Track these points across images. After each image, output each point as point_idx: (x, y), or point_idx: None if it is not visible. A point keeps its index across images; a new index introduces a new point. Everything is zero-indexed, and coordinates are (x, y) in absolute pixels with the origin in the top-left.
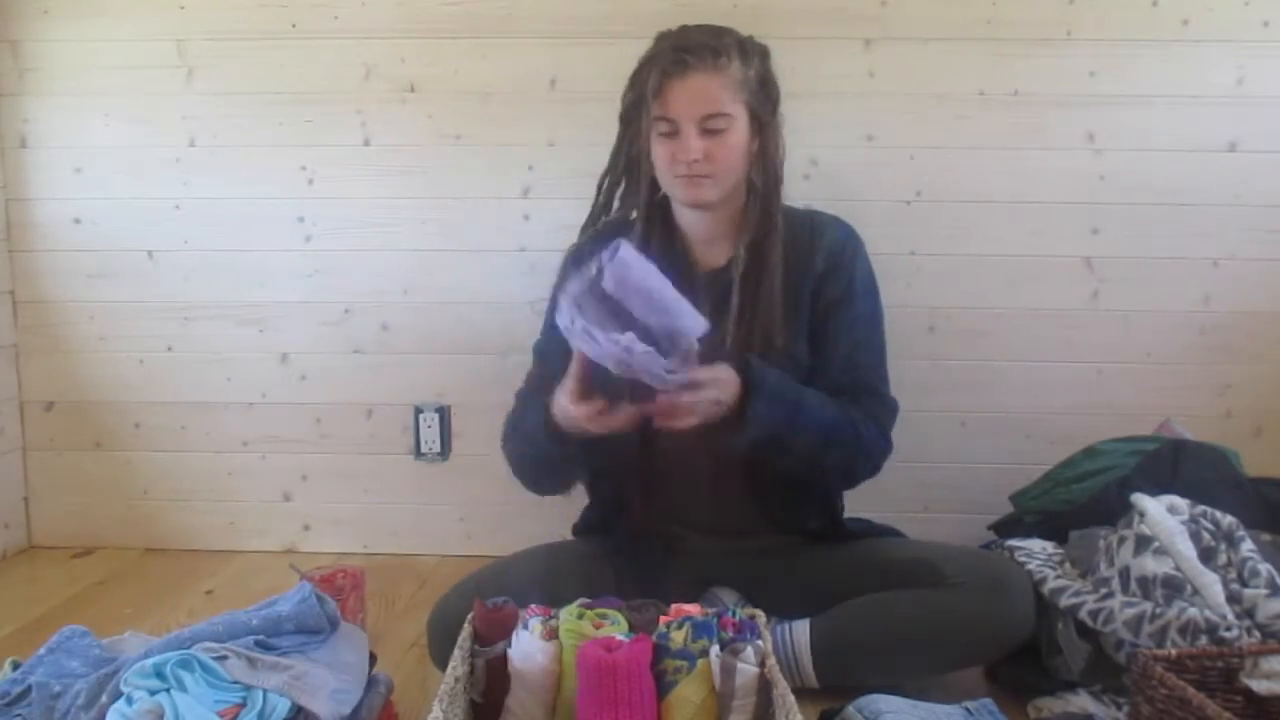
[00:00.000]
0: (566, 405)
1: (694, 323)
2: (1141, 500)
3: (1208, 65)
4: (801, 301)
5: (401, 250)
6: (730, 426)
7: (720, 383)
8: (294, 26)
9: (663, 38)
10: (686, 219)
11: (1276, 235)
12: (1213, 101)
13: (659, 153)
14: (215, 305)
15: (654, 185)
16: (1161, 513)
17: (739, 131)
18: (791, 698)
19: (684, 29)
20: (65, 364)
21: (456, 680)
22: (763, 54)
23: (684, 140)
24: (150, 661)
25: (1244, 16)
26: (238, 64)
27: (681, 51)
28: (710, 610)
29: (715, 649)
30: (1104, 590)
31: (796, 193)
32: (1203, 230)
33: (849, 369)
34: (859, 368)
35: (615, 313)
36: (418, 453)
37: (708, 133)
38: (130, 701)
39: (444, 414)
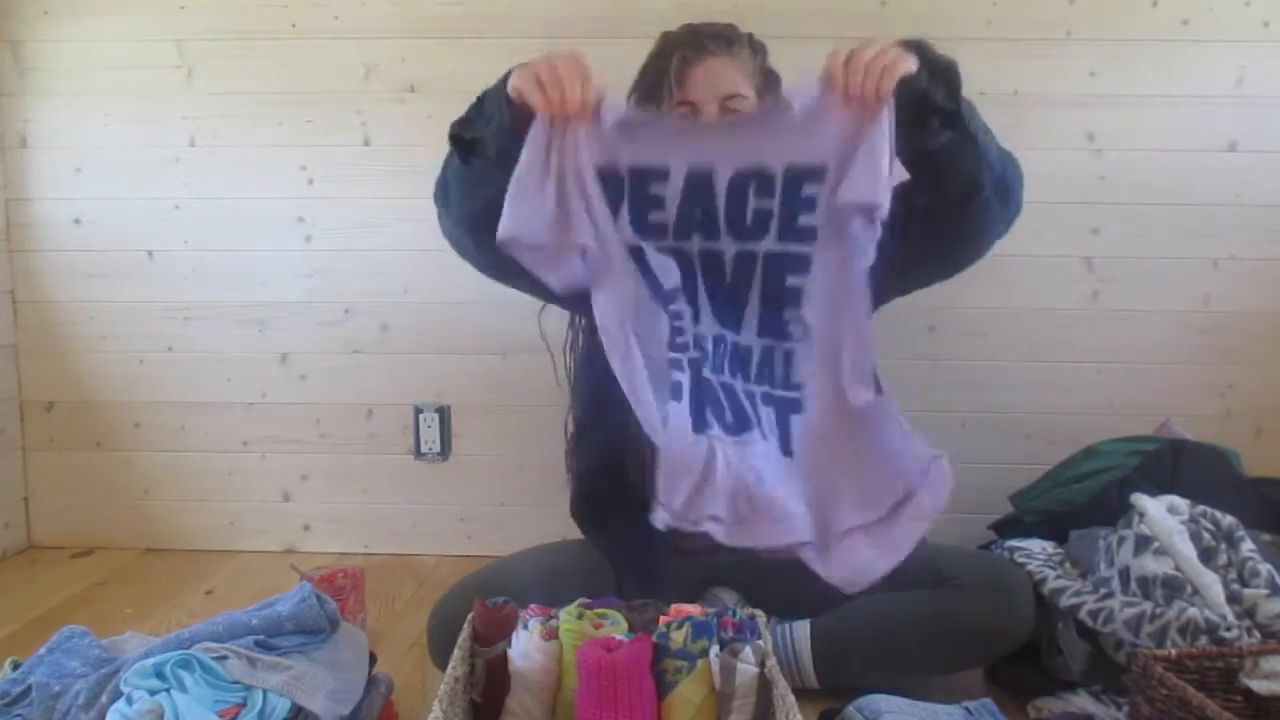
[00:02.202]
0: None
1: None
2: (1141, 500)
3: (1208, 65)
4: None
5: (401, 250)
6: (935, 87)
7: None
8: (294, 26)
9: (669, 35)
10: None
11: (1276, 235)
12: (1213, 101)
13: None
14: (215, 305)
15: None
16: (1161, 513)
17: None
18: (791, 698)
19: (690, 25)
20: (65, 364)
21: (456, 680)
22: (764, 50)
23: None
24: (150, 661)
25: (1244, 16)
26: (238, 64)
27: (700, 37)
28: (710, 610)
29: (715, 649)
30: (1104, 590)
31: None
32: (1203, 230)
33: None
34: None
35: None
36: (418, 453)
37: (726, 114)
38: (130, 701)
39: (444, 414)
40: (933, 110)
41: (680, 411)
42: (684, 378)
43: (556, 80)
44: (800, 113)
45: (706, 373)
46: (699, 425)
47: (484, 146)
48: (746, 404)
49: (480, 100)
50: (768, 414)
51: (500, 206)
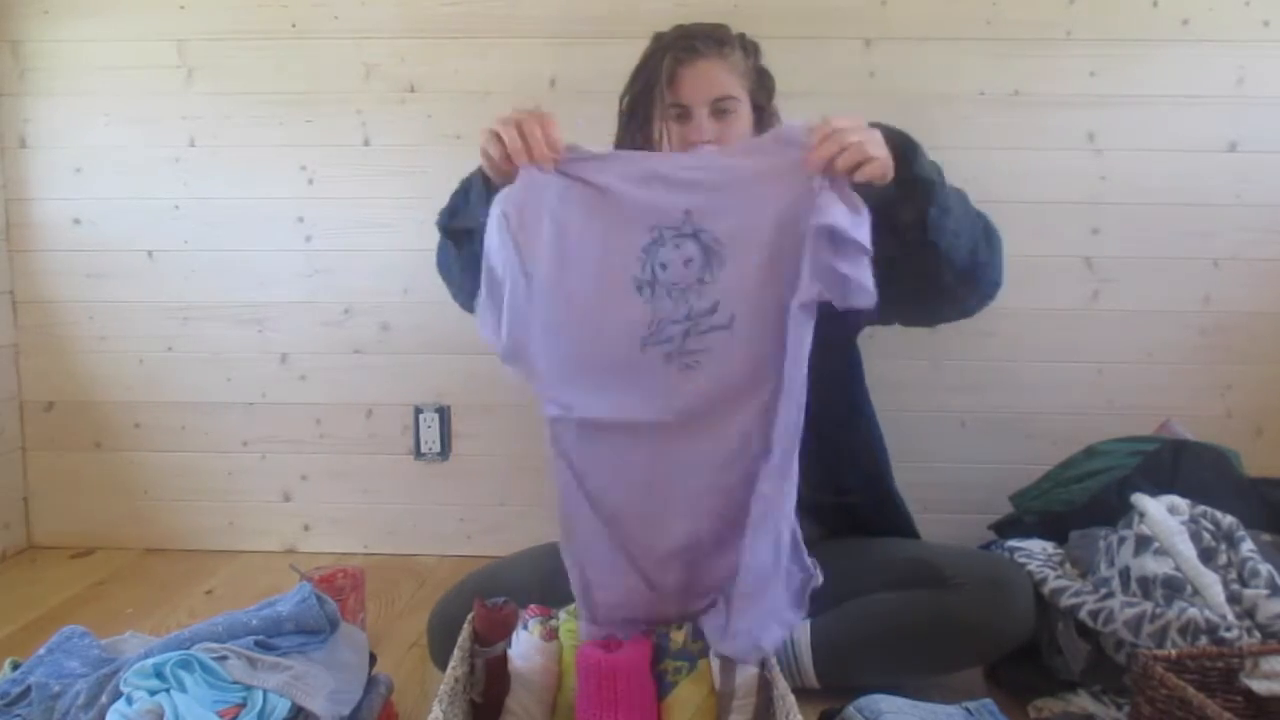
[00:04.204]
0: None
1: None
2: (1142, 500)
3: (1208, 65)
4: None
5: (401, 250)
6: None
7: (849, 117)
8: (294, 26)
9: (661, 36)
10: None
11: (1276, 235)
12: (1213, 101)
13: (670, 137)
14: (215, 305)
15: None
16: (1162, 513)
17: (744, 116)
18: (791, 698)
19: (682, 26)
20: (65, 364)
21: (456, 680)
22: (757, 49)
23: (696, 123)
24: (150, 661)
25: (1244, 16)
26: (238, 64)
27: (691, 39)
28: None
29: None
30: (1104, 590)
31: None
32: (1203, 230)
33: None
34: None
35: None
36: (418, 453)
37: (717, 115)
38: (130, 701)
39: (444, 414)
40: (895, 221)
41: None
42: None
43: (513, 128)
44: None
45: None
46: None
47: (471, 234)
48: None
49: (465, 188)
50: None
51: None
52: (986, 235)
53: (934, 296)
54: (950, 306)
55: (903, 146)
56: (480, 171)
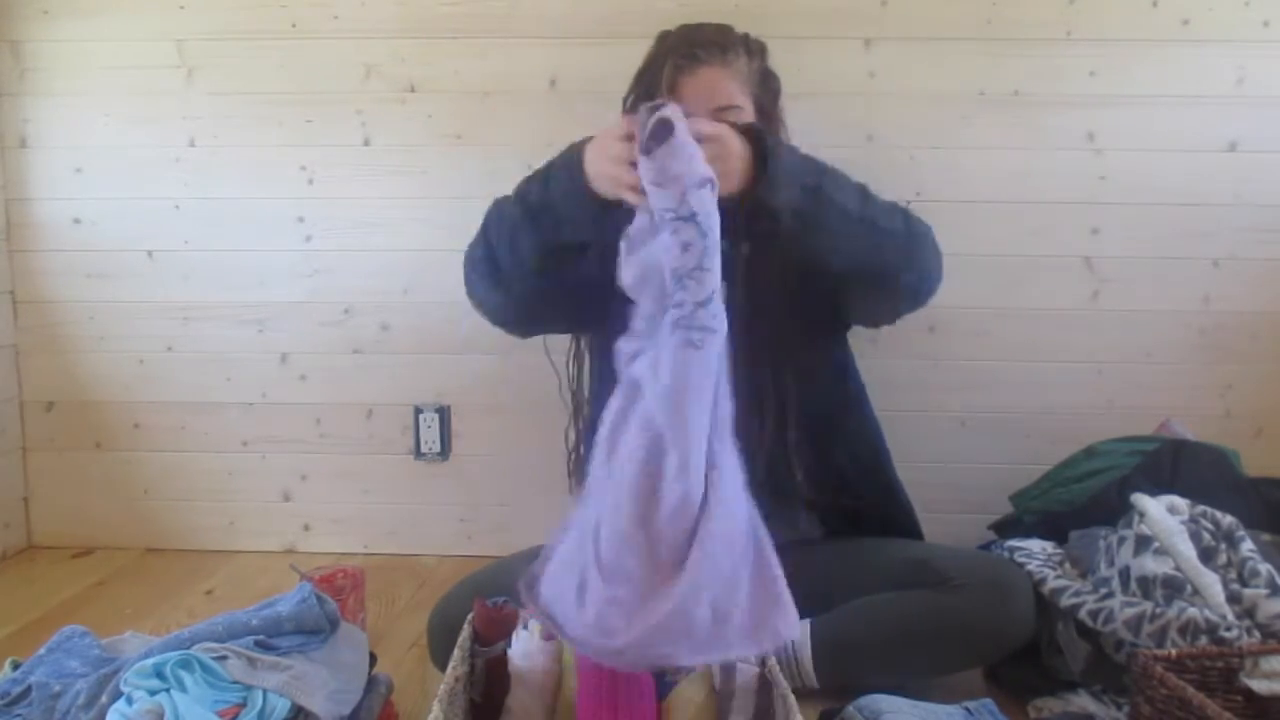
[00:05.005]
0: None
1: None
2: (1141, 500)
3: (1208, 65)
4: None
5: (401, 250)
6: (760, 183)
7: (726, 131)
8: (294, 26)
9: (665, 37)
10: None
11: (1276, 235)
12: (1213, 101)
13: None
14: (215, 305)
15: None
16: (1161, 513)
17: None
18: (791, 698)
19: (686, 27)
20: (65, 364)
21: (456, 680)
22: (762, 50)
23: None
24: (150, 661)
25: (1244, 16)
26: (238, 64)
27: (693, 47)
28: None
29: None
30: (1104, 590)
31: None
32: (1203, 230)
33: None
34: None
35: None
36: (418, 453)
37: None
38: (130, 701)
39: (444, 414)
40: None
41: None
42: None
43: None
44: None
45: None
46: None
47: (577, 250)
48: None
49: (563, 193)
50: None
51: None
52: (907, 236)
53: (845, 293)
54: (873, 300)
55: (763, 150)
56: (585, 179)
